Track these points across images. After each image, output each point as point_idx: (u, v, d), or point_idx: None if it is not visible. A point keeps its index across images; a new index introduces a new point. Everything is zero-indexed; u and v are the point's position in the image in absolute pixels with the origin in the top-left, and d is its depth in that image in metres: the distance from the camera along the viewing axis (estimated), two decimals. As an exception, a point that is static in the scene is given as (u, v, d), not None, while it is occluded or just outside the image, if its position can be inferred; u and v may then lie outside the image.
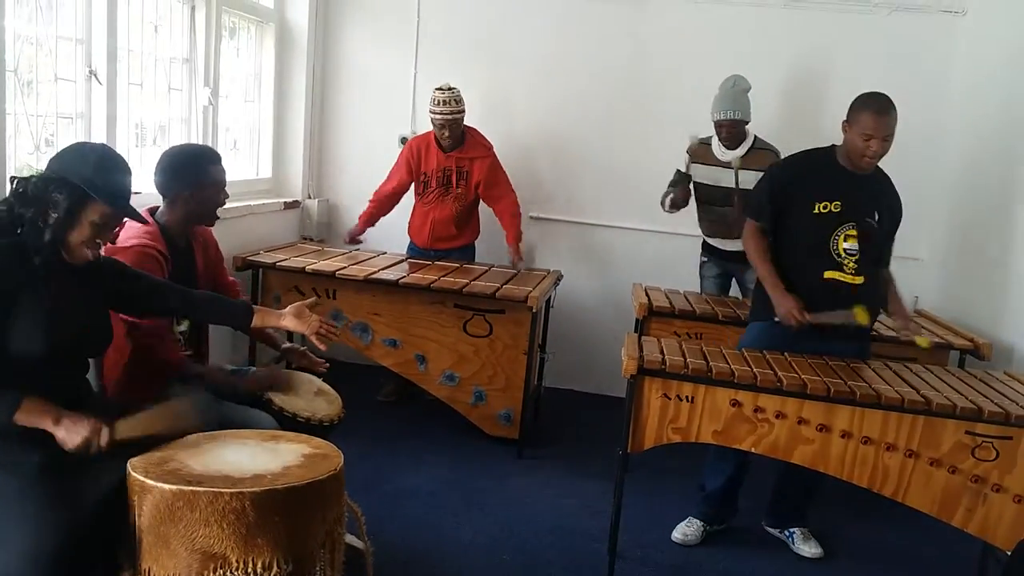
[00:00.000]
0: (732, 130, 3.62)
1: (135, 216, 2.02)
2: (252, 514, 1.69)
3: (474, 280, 3.60)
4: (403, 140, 4.45)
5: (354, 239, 4.15)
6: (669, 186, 3.86)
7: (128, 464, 1.78)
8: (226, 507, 1.67)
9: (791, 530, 3.02)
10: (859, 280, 2.75)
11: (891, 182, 2.87)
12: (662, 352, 2.64)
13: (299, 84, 4.41)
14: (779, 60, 4.09)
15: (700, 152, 3.78)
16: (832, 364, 2.68)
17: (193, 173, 2.46)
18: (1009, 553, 2.31)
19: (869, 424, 2.45)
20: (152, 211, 2.50)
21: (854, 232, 2.74)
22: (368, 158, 4.48)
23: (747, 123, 3.65)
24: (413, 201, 4.11)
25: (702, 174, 3.74)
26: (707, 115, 3.70)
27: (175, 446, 1.90)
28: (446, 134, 3.86)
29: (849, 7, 4.03)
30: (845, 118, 2.76)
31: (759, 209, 2.90)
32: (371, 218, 4.13)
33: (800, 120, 4.06)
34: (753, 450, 2.55)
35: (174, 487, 1.69)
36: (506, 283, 3.60)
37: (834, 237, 2.75)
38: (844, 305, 2.70)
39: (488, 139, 4.02)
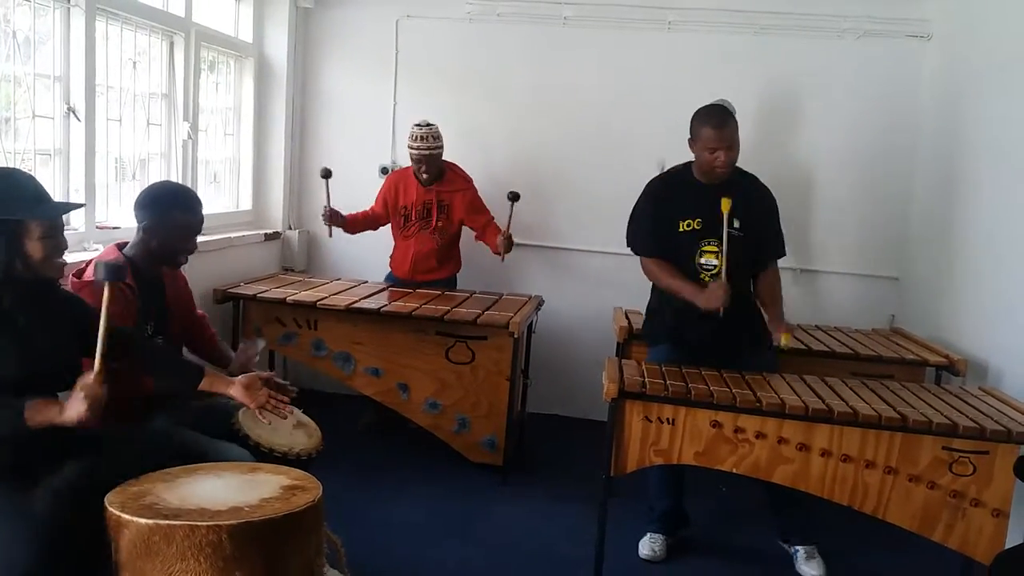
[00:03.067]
0: None
1: (67, 209, 2.01)
2: (229, 547, 1.68)
3: (456, 307, 3.60)
4: (384, 171, 4.48)
5: (335, 218, 3.93)
6: None
7: (105, 499, 1.77)
8: (203, 540, 1.66)
9: (796, 548, 2.99)
10: None
11: (754, 180, 3.00)
12: (642, 375, 2.66)
13: (278, 117, 4.44)
14: (752, 85, 4.16)
15: None
16: (810, 383, 2.71)
17: (158, 209, 2.47)
18: (988, 566, 2.32)
19: (848, 442, 2.47)
20: (121, 246, 2.51)
21: (712, 248, 2.88)
22: (348, 189, 4.45)
23: None
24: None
25: None
26: (683, 141, 3.75)
27: (152, 479, 1.89)
28: (423, 168, 3.87)
29: (819, 32, 4.11)
30: (689, 135, 2.91)
31: (647, 245, 3.01)
32: (353, 221, 4.03)
33: (772, 144, 4.13)
34: (734, 470, 2.56)
35: (150, 521, 1.68)
36: (488, 309, 3.61)
37: (697, 253, 2.90)
38: (705, 321, 2.79)
39: (468, 173, 4.04)
